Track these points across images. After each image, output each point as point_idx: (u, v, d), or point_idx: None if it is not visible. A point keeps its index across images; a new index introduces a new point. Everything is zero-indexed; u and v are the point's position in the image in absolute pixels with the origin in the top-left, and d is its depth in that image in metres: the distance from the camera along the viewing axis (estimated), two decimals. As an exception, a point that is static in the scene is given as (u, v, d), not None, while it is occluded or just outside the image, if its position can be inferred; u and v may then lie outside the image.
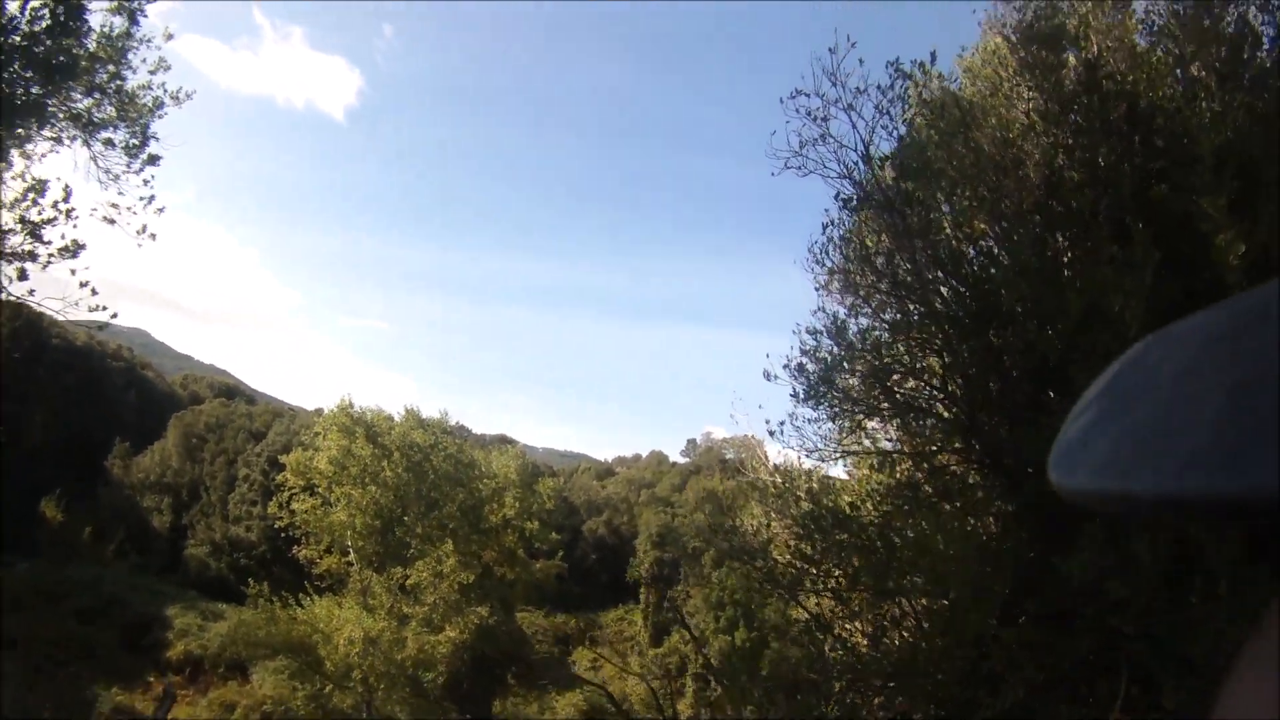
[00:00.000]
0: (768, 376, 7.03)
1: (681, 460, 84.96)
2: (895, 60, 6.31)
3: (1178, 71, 5.73)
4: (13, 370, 38.21)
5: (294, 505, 26.13)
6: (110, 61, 11.85)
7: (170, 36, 12.56)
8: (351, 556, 26.70)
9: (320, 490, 26.28)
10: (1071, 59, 5.92)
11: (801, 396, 6.94)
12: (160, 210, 12.85)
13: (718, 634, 42.45)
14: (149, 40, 12.27)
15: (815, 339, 6.83)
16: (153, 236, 12.88)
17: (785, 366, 6.94)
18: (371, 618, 24.34)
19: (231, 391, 62.15)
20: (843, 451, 7.46)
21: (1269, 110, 5.18)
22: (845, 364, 6.69)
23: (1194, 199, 4.79)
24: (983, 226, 6.29)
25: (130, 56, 12.10)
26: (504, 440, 58.64)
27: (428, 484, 27.29)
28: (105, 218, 12.33)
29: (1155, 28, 5.98)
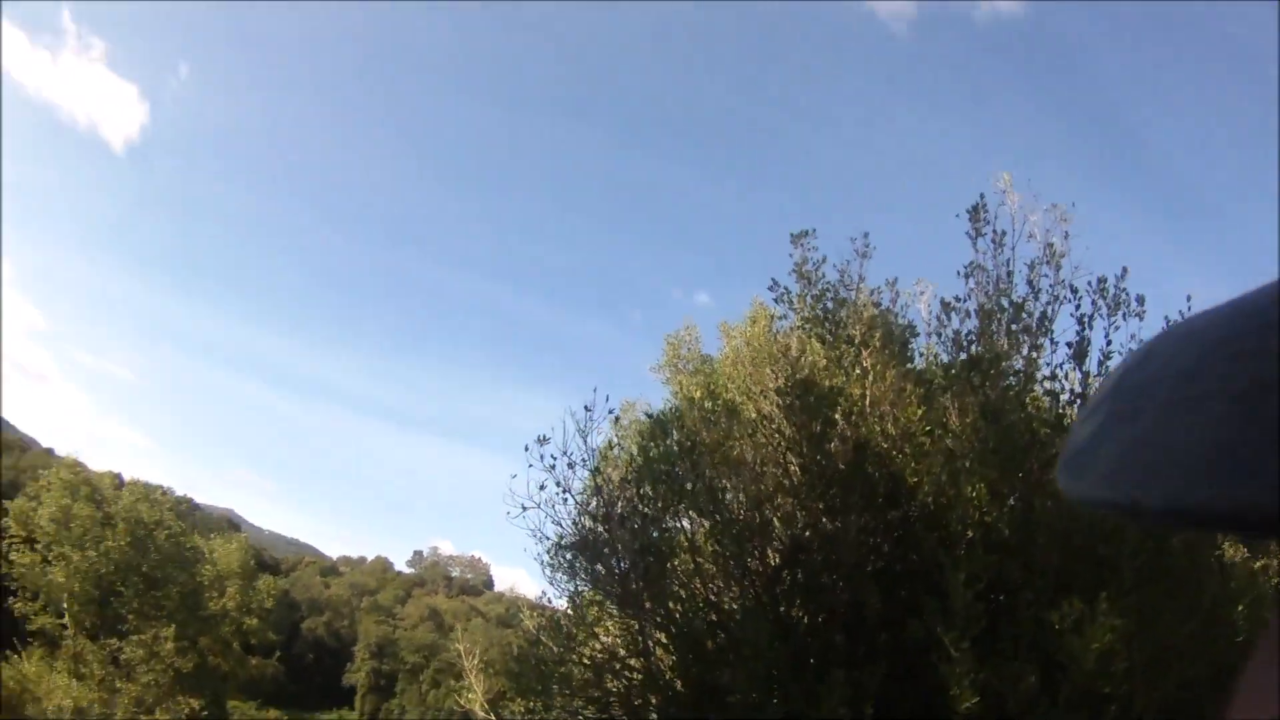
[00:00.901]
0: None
1: (406, 570, 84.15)
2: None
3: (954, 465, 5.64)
4: None
5: (13, 555, 25.24)
6: None
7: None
8: (66, 619, 25.78)
9: (39, 547, 25.51)
10: (840, 426, 5.90)
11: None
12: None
13: (433, 758, 40.87)
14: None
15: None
16: None
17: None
18: (82, 686, 23.83)
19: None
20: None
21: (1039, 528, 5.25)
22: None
23: (937, 632, 4.73)
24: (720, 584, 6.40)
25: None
26: (230, 521, 55.23)
27: (149, 561, 26.83)
28: None
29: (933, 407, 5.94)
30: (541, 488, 6.48)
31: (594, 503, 6.58)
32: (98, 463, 48.48)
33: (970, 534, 5.27)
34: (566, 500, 6.61)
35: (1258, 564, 6.01)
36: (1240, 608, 5.43)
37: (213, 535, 33.29)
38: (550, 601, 7.19)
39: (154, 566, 26.71)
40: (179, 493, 31.82)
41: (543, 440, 6.41)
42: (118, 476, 29.76)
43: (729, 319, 9.72)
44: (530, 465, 6.37)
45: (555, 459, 6.43)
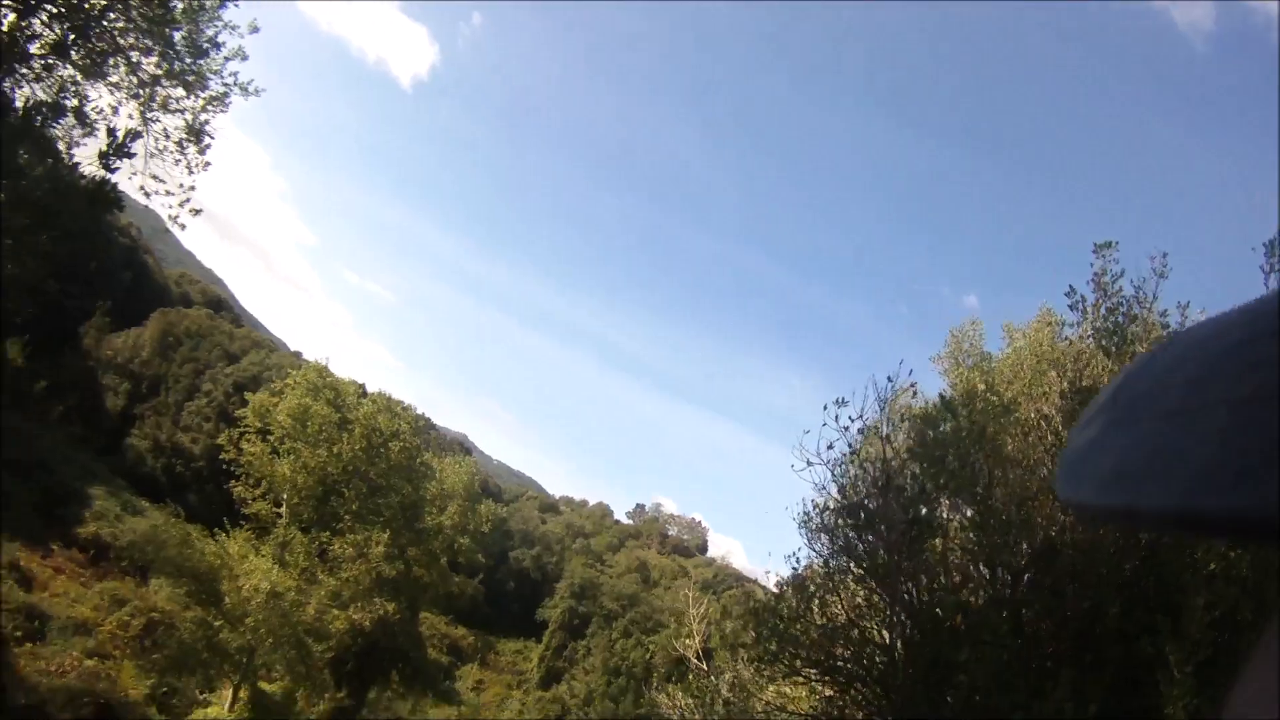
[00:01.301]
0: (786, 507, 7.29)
1: (625, 520, 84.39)
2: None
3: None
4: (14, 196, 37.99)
5: (244, 444, 26.43)
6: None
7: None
8: (283, 509, 26.92)
9: (273, 439, 26.58)
10: None
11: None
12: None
13: (604, 698, 42.22)
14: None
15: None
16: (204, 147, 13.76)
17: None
18: (283, 573, 24.47)
19: (220, 304, 61.92)
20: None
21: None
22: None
23: (1165, 651, 4.74)
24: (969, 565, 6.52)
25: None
26: (463, 445, 58.45)
27: (377, 468, 27.77)
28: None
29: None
30: (830, 447, 6.68)
31: (873, 471, 6.72)
32: (345, 372, 51.94)
33: (1213, 565, 5.24)
34: (850, 467, 6.77)
35: None
36: None
37: (445, 455, 34.47)
38: (799, 564, 7.28)
39: (381, 474, 27.69)
40: (419, 410, 33.54)
41: (841, 402, 6.61)
42: (361, 386, 30.96)
43: (1008, 319, 9.63)
44: (824, 424, 6.55)
45: (851, 420, 6.60)
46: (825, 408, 6.67)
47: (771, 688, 7.70)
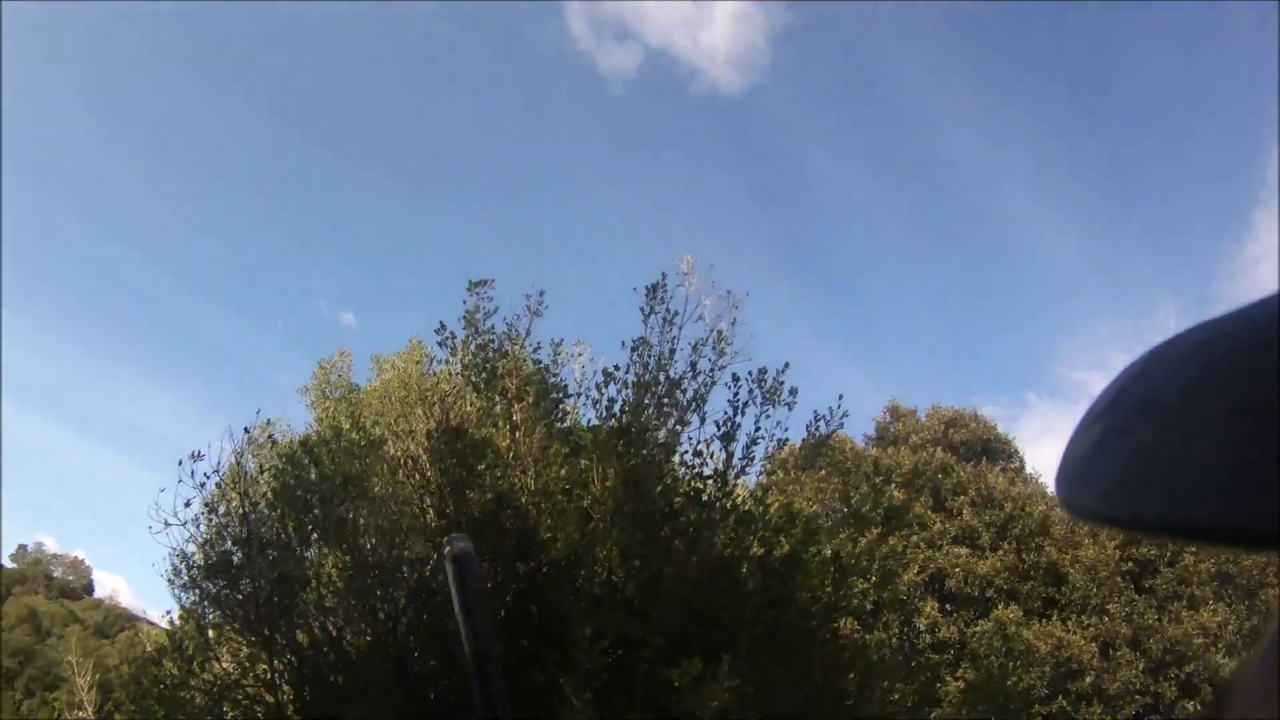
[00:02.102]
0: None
1: (9, 564, 70.38)
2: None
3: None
4: None
5: None
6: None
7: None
8: None
9: None
10: (484, 476, 5.95)
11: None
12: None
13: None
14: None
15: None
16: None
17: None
18: None
19: None
20: None
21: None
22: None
23: (561, 683, 4.80)
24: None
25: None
26: None
27: None
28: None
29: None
30: (187, 504, 6.13)
31: (237, 526, 6.25)
32: None
33: (598, 591, 5.47)
34: (211, 520, 6.35)
35: (870, 636, 6.77)
36: (852, 675, 6.06)
37: None
38: (173, 621, 6.69)
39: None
40: None
41: (196, 456, 6.14)
42: None
43: (379, 348, 9.53)
44: (180, 480, 6.06)
45: (208, 477, 6.17)
46: (180, 463, 6.03)
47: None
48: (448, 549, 2.02)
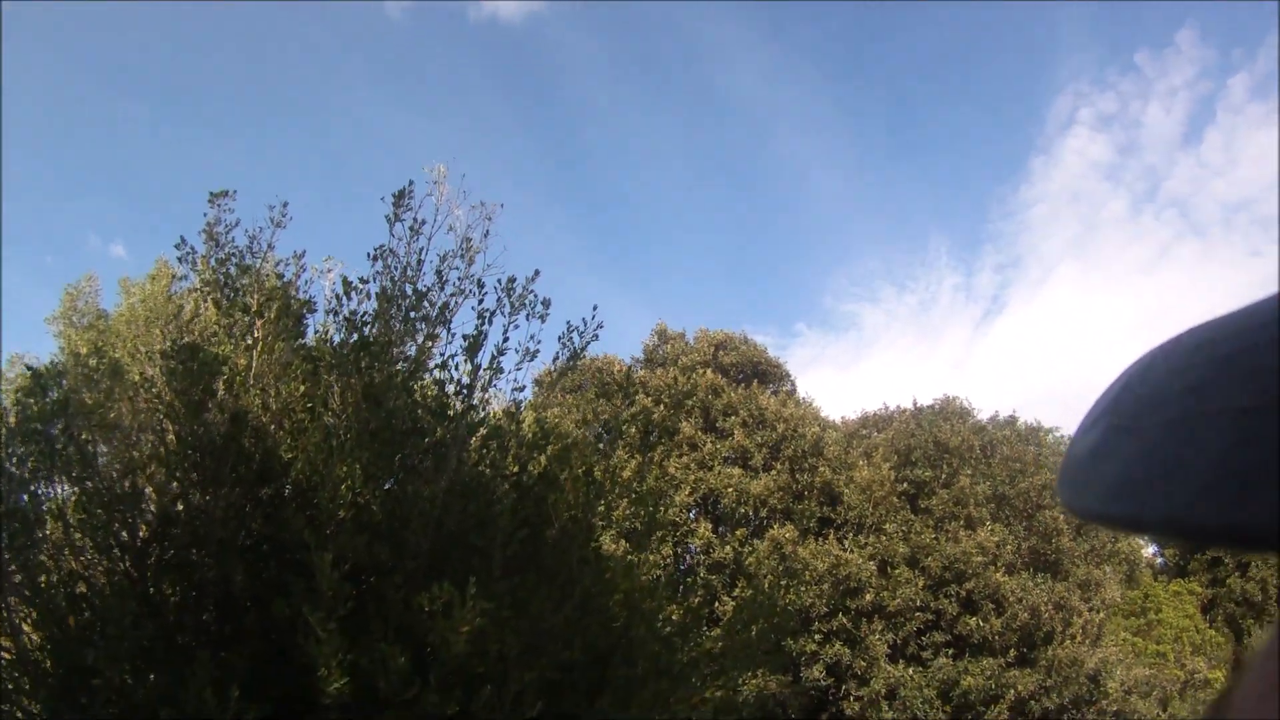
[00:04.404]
0: None
1: None
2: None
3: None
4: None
5: None
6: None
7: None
8: None
9: None
10: (221, 396, 5.63)
11: None
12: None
13: None
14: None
15: None
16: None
17: None
18: None
19: None
20: None
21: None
22: None
23: (304, 612, 4.58)
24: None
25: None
26: None
27: None
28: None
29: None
30: None
31: None
32: None
33: (341, 514, 5.21)
34: None
35: (633, 556, 6.80)
36: (618, 597, 6.04)
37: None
38: None
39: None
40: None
41: None
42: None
43: (137, 275, 8.83)
44: None
45: None
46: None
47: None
48: None
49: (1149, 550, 28.97)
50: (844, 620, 17.70)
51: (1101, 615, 20.02)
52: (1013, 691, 17.25)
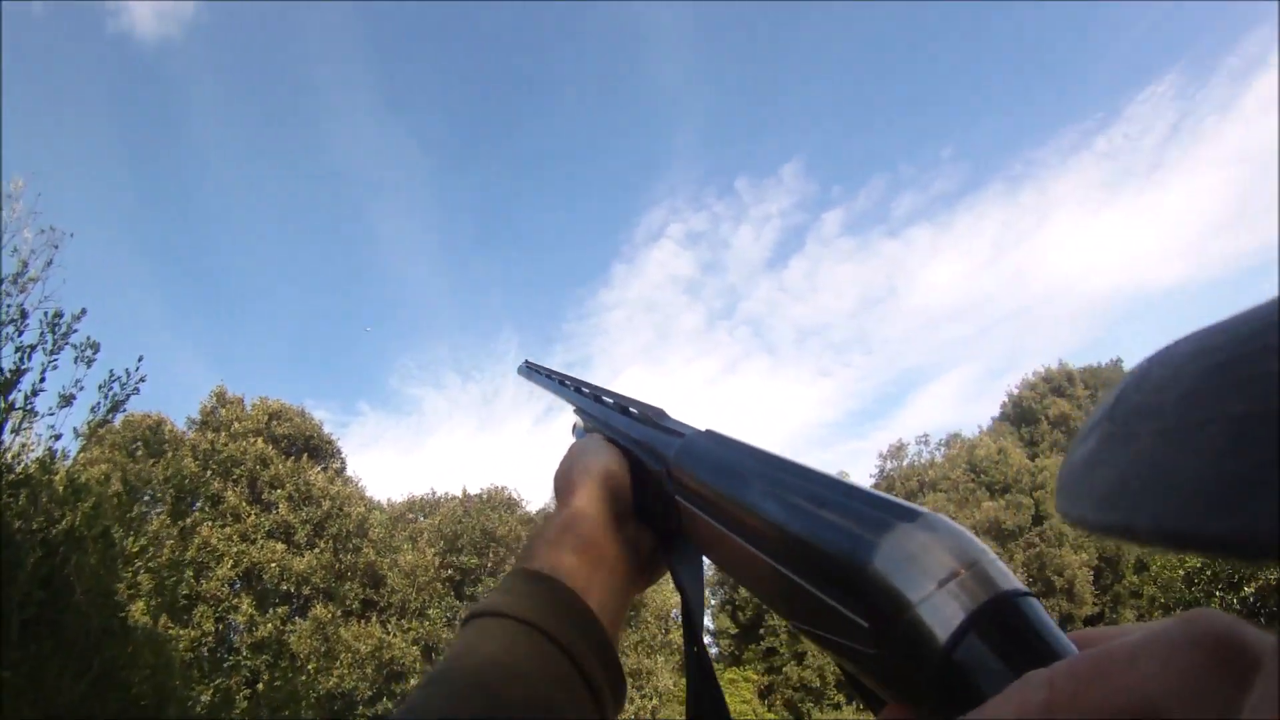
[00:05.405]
0: None
1: None
2: None
3: None
4: None
5: None
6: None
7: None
8: None
9: None
10: None
11: None
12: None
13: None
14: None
15: None
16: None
17: None
18: None
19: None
20: None
21: None
22: None
23: None
24: None
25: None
26: None
27: None
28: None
29: None
30: None
31: None
32: None
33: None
34: None
35: (174, 630, 6.09)
36: (145, 672, 5.50)
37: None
38: None
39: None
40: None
41: None
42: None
43: None
44: None
45: None
46: None
47: None
48: None
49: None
50: (388, 704, 17.59)
51: (655, 702, 21.41)
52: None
